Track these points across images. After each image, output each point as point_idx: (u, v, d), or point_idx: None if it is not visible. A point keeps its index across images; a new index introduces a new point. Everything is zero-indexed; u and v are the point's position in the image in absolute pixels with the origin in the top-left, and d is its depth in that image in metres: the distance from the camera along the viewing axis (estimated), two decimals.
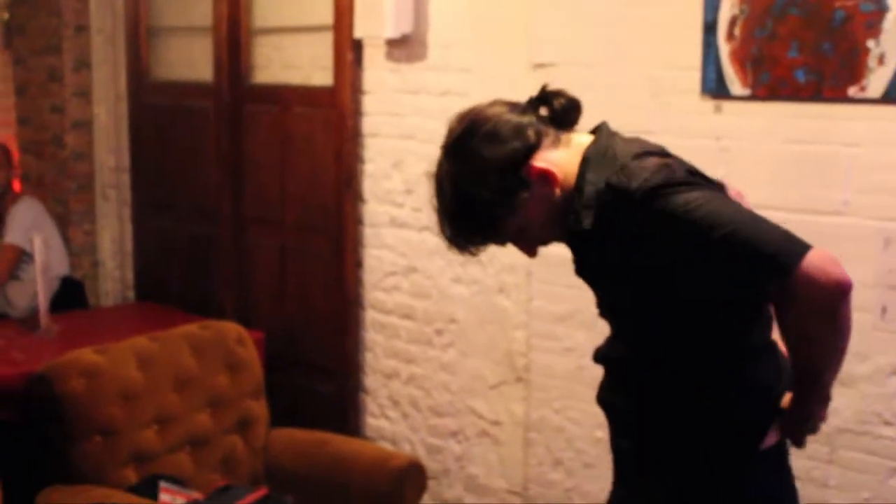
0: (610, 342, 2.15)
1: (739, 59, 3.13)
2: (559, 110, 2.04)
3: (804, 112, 3.05)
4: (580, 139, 2.05)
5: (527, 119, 2.01)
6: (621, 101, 3.39)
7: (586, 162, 1.98)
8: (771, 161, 3.11)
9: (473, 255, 2.10)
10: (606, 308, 2.12)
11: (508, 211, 2.00)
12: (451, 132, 2.05)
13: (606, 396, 2.14)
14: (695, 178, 1.92)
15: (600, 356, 2.16)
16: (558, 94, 2.05)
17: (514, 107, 2.04)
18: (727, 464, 2.01)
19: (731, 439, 2.00)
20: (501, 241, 2.10)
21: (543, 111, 2.05)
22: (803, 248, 1.83)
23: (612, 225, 1.92)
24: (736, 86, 3.14)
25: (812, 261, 1.81)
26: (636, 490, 2.10)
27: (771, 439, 2.04)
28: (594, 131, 2.06)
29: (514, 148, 1.98)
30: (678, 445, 2.01)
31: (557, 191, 1.99)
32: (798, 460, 3.10)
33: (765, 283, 1.84)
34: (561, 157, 2.00)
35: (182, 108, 5.17)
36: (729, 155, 3.18)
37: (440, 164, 2.06)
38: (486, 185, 1.98)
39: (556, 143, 2.01)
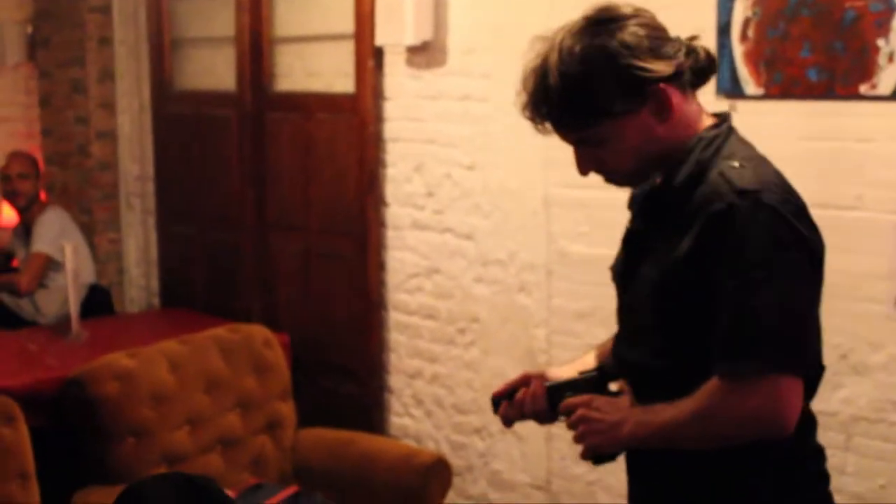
0: (625, 344, 2.05)
1: (753, 59, 3.21)
2: (700, 63, 1.93)
3: (817, 110, 3.13)
4: (702, 108, 1.97)
5: (682, 54, 1.90)
6: None
7: (706, 139, 1.91)
8: (785, 158, 3.11)
9: (539, 131, 1.97)
10: (637, 301, 2.00)
11: (610, 110, 1.87)
12: (612, 7, 1.92)
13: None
14: (803, 238, 1.84)
15: (622, 363, 2.05)
16: (705, 49, 1.95)
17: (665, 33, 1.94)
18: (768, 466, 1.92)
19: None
20: (573, 137, 1.96)
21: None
22: (791, 363, 1.77)
23: (687, 204, 1.86)
24: (750, 86, 3.23)
25: (773, 393, 1.76)
26: (653, 491, 2.05)
27: None
28: (717, 115, 1.99)
29: (662, 61, 1.87)
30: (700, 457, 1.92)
31: (661, 131, 1.90)
32: None
33: (719, 354, 1.79)
34: (682, 107, 1.91)
35: (205, 118, 5.27)
36: None
37: (577, 32, 1.90)
38: (615, 72, 1.85)
39: (683, 90, 1.92)
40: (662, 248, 1.90)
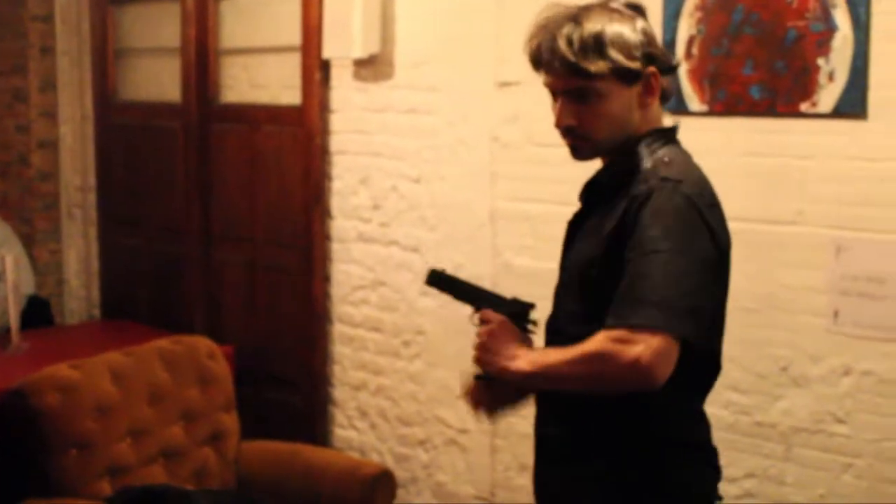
0: (553, 318, 2.25)
1: (697, 77, 3.28)
2: (669, 86, 2.21)
3: (759, 127, 3.19)
4: (662, 118, 2.22)
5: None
6: None
7: (652, 136, 2.14)
8: (728, 174, 3.22)
9: (535, 70, 2.17)
10: (568, 276, 2.22)
11: (616, 67, 2.08)
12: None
13: None
14: (710, 229, 2.03)
15: (547, 332, 2.25)
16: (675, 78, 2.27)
17: None
18: (655, 449, 2.10)
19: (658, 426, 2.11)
20: (571, 83, 2.12)
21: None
22: (675, 326, 1.92)
23: (621, 190, 2.08)
24: (694, 102, 3.29)
25: (652, 346, 1.89)
26: (565, 474, 2.19)
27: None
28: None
29: (664, 56, 2.16)
30: (609, 432, 2.10)
31: (635, 116, 2.13)
32: (754, 458, 3.25)
33: (613, 309, 1.96)
34: (655, 105, 2.17)
35: (150, 128, 5.25)
36: None
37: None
38: (635, 37, 2.10)
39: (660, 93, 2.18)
40: (594, 227, 2.13)
